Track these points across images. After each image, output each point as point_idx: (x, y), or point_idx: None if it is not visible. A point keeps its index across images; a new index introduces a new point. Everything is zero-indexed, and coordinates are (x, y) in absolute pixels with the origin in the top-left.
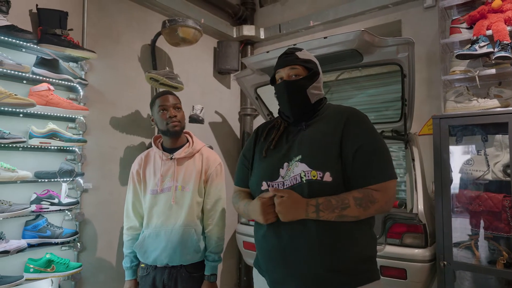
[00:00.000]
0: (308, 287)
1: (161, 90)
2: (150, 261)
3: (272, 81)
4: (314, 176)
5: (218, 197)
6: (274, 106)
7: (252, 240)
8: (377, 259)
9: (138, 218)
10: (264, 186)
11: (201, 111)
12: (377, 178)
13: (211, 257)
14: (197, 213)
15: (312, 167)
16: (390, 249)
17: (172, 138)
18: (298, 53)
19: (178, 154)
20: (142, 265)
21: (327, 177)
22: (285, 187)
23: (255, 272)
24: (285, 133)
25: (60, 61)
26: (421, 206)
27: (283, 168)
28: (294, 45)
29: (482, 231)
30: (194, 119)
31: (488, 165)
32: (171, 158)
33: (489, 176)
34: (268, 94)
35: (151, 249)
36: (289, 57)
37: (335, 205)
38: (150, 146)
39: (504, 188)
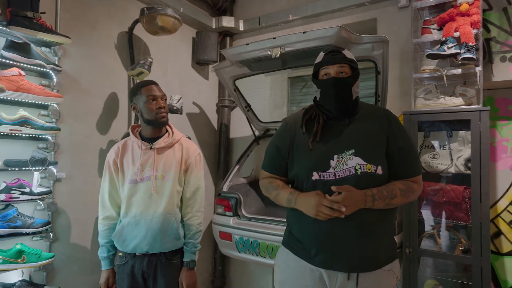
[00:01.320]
0: (355, 267)
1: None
2: (129, 249)
3: (315, 76)
4: (369, 169)
5: (198, 186)
6: (252, 98)
7: (228, 230)
8: None
9: (114, 207)
10: (315, 176)
11: (178, 101)
12: (415, 172)
13: (190, 244)
14: (177, 202)
15: (367, 161)
16: None
17: (155, 128)
18: (344, 52)
19: (158, 144)
20: (120, 253)
21: (379, 170)
22: (336, 177)
23: (285, 251)
24: (327, 126)
25: (32, 45)
26: None
27: (333, 160)
28: (273, 38)
29: (444, 220)
30: (170, 110)
31: (452, 159)
32: (151, 148)
33: (452, 169)
34: (246, 86)
35: (130, 237)
36: (337, 55)
37: (386, 195)
38: (126, 135)
39: (465, 180)
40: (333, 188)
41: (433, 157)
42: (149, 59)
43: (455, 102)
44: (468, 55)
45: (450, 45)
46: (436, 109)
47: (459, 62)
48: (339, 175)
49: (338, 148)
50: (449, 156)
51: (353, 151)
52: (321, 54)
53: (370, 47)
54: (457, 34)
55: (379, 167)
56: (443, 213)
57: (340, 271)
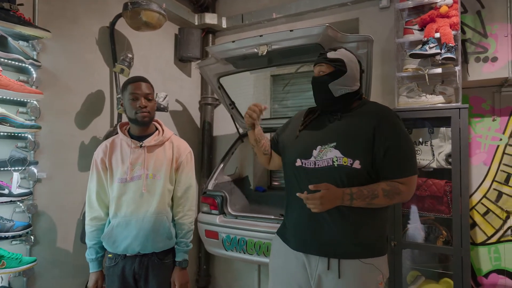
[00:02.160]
0: (327, 252)
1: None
2: (120, 251)
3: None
4: (345, 162)
5: (189, 184)
6: (236, 96)
7: (214, 228)
8: None
9: (102, 207)
10: (299, 162)
11: (164, 99)
12: (404, 173)
13: (182, 243)
14: (168, 201)
15: (344, 154)
16: None
17: (141, 127)
18: (329, 53)
19: (148, 142)
20: (110, 255)
21: (356, 164)
22: (316, 166)
23: (277, 239)
24: (321, 120)
25: (9, 38)
26: None
27: (316, 150)
28: (260, 36)
29: (426, 213)
30: (159, 108)
31: (433, 155)
32: (141, 146)
33: (434, 164)
34: (231, 84)
35: (121, 238)
36: (320, 56)
37: (366, 194)
38: (109, 134)
39: (446, 175)
40: (310, 187)
41: (416, 153)
42: (129, 55)
43: (436, 100)
44: (448, 55)
45: (432, 45)
46: (419, 107)
47: (440, 62)
48: (318, 165)
49: (322, 139)
50: (431, 151)
51: (334, 144)
52: None
53: (355, 46)
54: (437, 35)
55: (356, 161)
56: (425, 206)
57: (314, 255)
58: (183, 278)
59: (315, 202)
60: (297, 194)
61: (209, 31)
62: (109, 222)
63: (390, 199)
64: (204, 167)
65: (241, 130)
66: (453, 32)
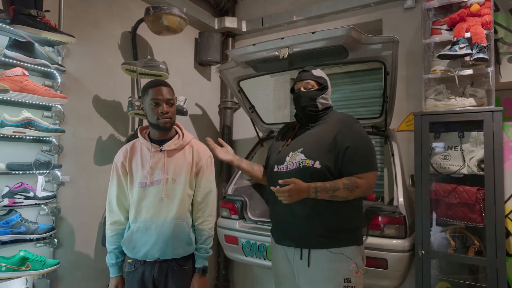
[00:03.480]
0: (297, 243)
1: (150, 80)
2: (139, 256)
3: (292, 91)
4: (307, 163)
5: (209, 189)
6: (256, 100)
7: (234, 233)
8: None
9: (123, 212)
10: (276, 168)
11: (184, 102)
12: (362, 169)
13: (202, 250)
14: (188, 206)
15: (307, 157)
16: (371, 240)
17: (162, 132)
18: (314, 71)
19: (168, 146)
20: (129, 260)
21: (317, 164)
22: (287, 169)
23: (271, 238)
24: (298, 132)
25: (36, 44)
26: (401, 199)
27: (288, 156)
28: (282, 38)
29: (456, 222)
30: (179, 111)
31: (464, 160)
32: (161, 150)
33: (464, 171)
34: (251, 87)
35: (140, 243)
36: (306, 73)
37: (328, 188)
38: (131, 138)
39: (478, 181)
40: (280, 181)
41: (445, 158)
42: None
43: (467, 102)
44: (480, 55)
45: (462, 45)
46: (448, 110)
47: (470, 63)
48: (288, 168)
49: (293, 147)
50: (461, 157)
51: (301, 149)
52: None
53: (380, 48)
54: (468, 34)
55: (317, 162)
56: (456, 214)
57: (289, 246)
58: (203, 285)
59: (284, 194)
60: (271, 188)
61: (229, 35)
62: (129, 227)
63: (350, 192)
64: (224, 172)
65: (261, 134)
66: (485, 32)
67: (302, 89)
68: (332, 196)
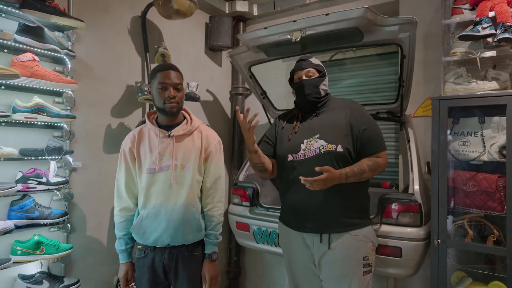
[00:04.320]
0: (319, 228)
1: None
2: (150, 242)
3: (290, 81)
4: (330, 148)
5: (218, 175)
6: (267, 85)
7: (245, 220)
8: None
9: (131, 198)
10: (290, 158)
11: (196, 88)
12: (379, 148)
13: (212, 236)
14: (197, 192)
15: (328, 142)
16: (386, 228)
17: (169, 117)
18: (311, 59)
19: (177, 131)
20: (139, 246)
21: (339, 148)
22: (306, 157)
23: (280, 225)
24: (303, 119)
25: (46, 29)
26: (416, 186)
27: (303, 144)
28: (294, 21)
29: (475, 210)
30: (191, 97)
31: (484, 146)
32: (169, 136)
33: (485, 157)
34: (262, 73)
35: (150, 229)
36: (305, 62)
37: (356, 171)
38: (141, 123)
39: (499, 168)
40: (317, 169)
41: (464, 145)
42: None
43: (488, 86)
44: (506, 35)
45: (485, 25)
46: (468, 94)
47: (494, 44)
48: (307, 155)
49: (307, 134)
50: (482, 143)
51: (318, 135)
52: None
53: (396, 30)
54: (492, 13)
55: (339, 146)
56: (475, 202)
57: (309, 232)
58: (214, 271)
59: (319, 183)
60: (301, 178)
61: (240, 19)
62: (138, 213)
63: (373, 172)
64: (235, 158)
65: (272, 120)
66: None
67: (304, 77)
68: (359, 179)
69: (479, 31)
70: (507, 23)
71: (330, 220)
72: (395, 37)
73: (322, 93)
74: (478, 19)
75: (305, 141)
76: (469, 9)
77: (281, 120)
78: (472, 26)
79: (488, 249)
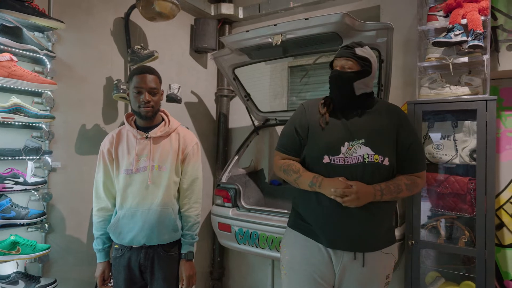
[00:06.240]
0: (356, 247)
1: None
2: (126, 242)
3: (331, 66)
4: (376, 159)
5: (195, 176)
6: (251, 88)
7: (227, 221)
8: None
9: (109, 198)
10: (326, 159)
11: (178, 90)
12: (421, 168)
13: (188, 236)
14: (174, 193)
15: (376, 152)
16: None
17: (145, 120)
18: (357, 49)
19: (154, 133)
20: (116, 246)
21: (386, 161)
22: (346, 163)
23: (292, 233)
24: (339, 113)
25: (24, 29)
26: None
27: (344, 147)
28: (275, 25)
29: (447, 212)
30: (173, 99)
31: (456, 150)
32: (147, 137)
33: (457, 160)
34: (246, 75)
35: (126, 229)
36: (347, 50)
37: (393, 190)
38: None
39: (470, 171)
40: (340, 179)
41: (437, 148)
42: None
43: (461, 91)
44: (475, 42)
45: (457, 32)
46: (442, 99)
47: (466, 50)
48: (348, 161)
49: (349, 136)
50: (454, 146)
51: (363, 141)
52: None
53: (374, 35)
54: (464, 21)
55: (386, 159)
56: (447, 204)
57: (344, 250)
58: (190, 270)
59: (352, 197)
60: (332, 195)
61: (226, 22)
62: (116, 213)
63: (410, 192)
64: (219, 159)
65: (256, 123)
66: (482, 18)
67: (338, 68)
68: (394, 198)
69: (451, 38)
70: (478, 31)
71: (367, 238)
72: (373, 42)
73: (357, 92)
74: (450, 26)
75: (346, 143)
76: (443, 16)
77: (313, 107)
78: (445, 33)
79: (459, 250)
